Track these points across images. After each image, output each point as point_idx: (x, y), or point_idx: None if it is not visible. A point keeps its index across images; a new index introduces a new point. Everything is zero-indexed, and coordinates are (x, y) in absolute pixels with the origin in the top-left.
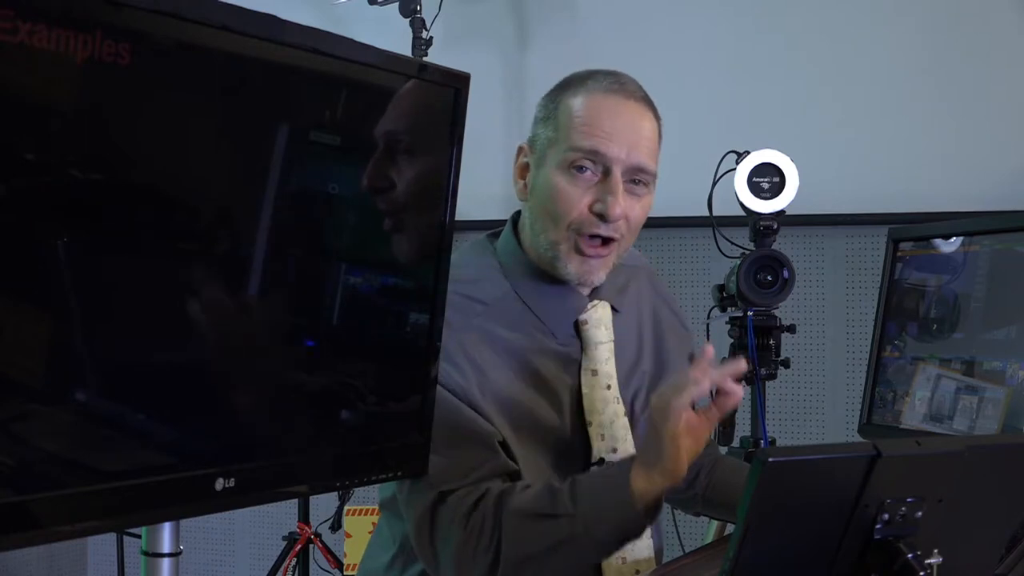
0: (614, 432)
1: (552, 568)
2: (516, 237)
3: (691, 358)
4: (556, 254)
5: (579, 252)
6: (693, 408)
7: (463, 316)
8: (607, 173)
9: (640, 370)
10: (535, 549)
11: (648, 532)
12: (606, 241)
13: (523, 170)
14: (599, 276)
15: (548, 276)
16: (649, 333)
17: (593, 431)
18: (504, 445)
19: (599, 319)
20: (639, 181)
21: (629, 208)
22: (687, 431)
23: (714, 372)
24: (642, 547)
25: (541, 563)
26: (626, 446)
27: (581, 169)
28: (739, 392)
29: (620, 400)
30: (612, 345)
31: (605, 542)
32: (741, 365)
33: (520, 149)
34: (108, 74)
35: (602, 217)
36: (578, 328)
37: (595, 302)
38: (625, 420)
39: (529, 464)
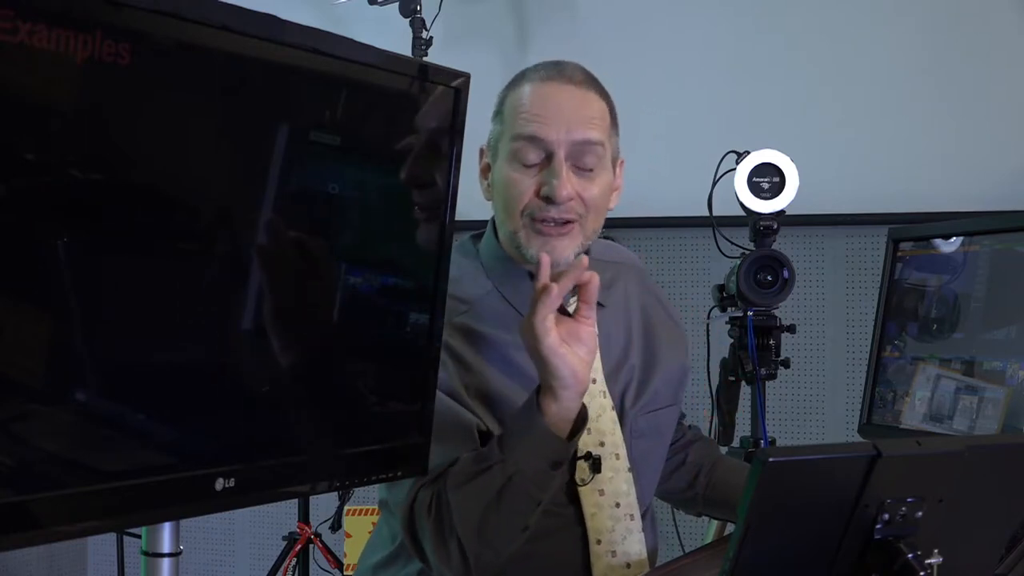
0: (600, 426)
1: (506, 521)
2: (496, 237)
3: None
4: (518, 242)
5: (538, 233)
6: (568, 313)
7: (446, 315)
8: (550, 157)
9: (628, 364)
10: (480, 505)
11: (639, 526)
12: (564, 222)
13: (485, 171)
14: (564, 255)
15: (528, 273)
16: (638, 327)
17: None
18: (487, 435)
19: None
20: (587, 159)
21: (581, 188)
22: (568, 337)
23: (562, 280)
24: (633, 541)
25: (493, 518)
26: (614, 439)
27: (526, 157)
28: (595, 277)
29: (607, 394)
30: (596, 340)
31: (538, 474)
32: (583, 260)
33: (481, 151)
34: (108, 74)
35: (550, 200)
36: None
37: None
38: (613, 414)
39: None
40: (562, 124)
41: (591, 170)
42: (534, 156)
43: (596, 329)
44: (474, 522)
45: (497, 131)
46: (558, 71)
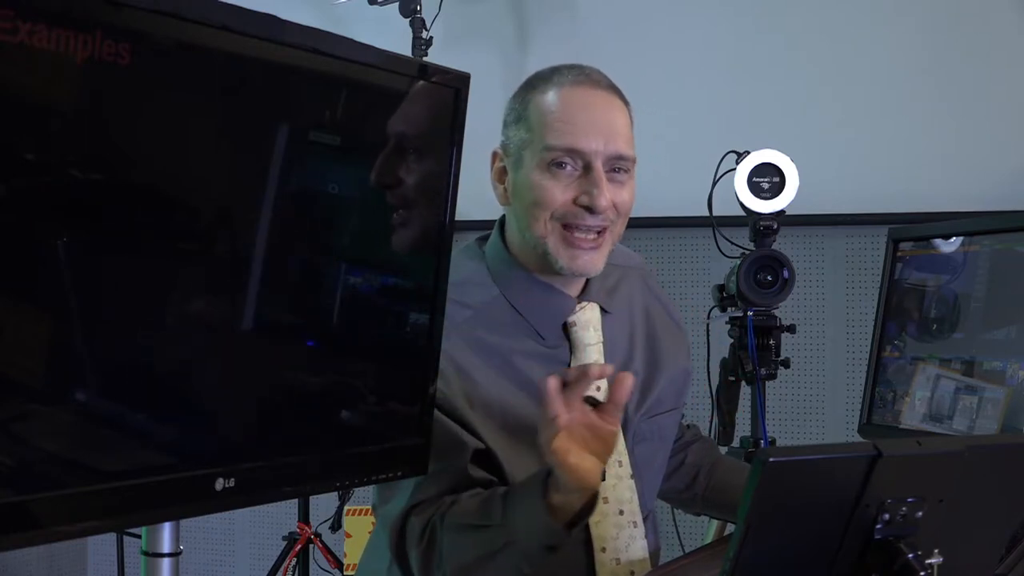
0: None
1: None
2: (503, 241)
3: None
4: (545, 249)
5: (568, 245)
6: (594, 405)
7: (449, 322)
8: (588, 167)
9: (631, 370)
10: (470, 559)
11: (642, 532)
12: (598, 231)
13: (500, 175)
14: (595, 267)
15: (536, 279)
16: (641, 333)
17: None
18: (488, 452)
19: (587, 320)
20: (619, 169)
21: (615, 195)
22: (588, 436)
23: (568, 395)
24: (636, 548)
25: (479, 572)
26: (618, 446)
27: (561, 166)
28: (629, 379)
29: None
30: (601, 346)
31: (531, 552)
32: (592, 371)
33: (495, 155)
34: (108, 74)
35: (589, 210)
36: (567, 330)
37: (583, 304)
38: None
39: (520, 468)
40: (600, 135)
41: (623, 179)
42: (570, 165)
43: (619, 429)
44: (459, 567)
45: (521, 138)
46: (585, 76)
